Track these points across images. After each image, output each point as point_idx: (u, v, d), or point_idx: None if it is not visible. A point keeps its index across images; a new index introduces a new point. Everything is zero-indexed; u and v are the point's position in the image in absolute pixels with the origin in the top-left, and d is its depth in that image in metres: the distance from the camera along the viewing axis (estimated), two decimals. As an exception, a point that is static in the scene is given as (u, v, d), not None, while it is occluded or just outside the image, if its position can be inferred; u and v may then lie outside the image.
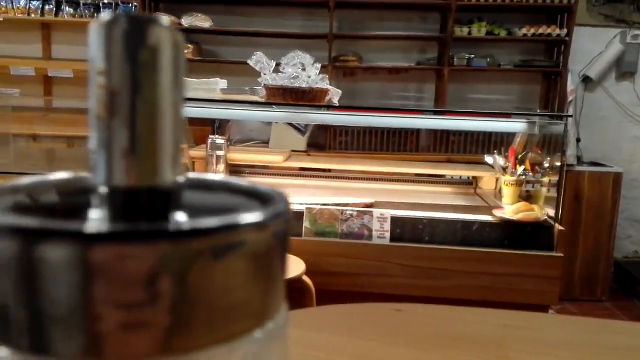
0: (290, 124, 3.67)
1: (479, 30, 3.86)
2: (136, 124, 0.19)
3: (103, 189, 0.19)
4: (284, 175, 2.74)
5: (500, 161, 2.26)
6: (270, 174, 2.74)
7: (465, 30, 3.85)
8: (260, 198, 0.22)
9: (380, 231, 1.97)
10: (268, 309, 0.20)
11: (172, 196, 0.20)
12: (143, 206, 0.19)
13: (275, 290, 0.20)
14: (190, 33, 3.98)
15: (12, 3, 4.08)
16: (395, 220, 1.99)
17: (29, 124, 3.51)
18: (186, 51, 4.01)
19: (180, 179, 0.20)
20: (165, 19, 0.19)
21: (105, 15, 0.19)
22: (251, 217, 0.19)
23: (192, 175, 0.24)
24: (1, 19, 4.06)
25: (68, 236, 0.16)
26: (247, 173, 2.71)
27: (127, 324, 0.17)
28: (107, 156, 0.19)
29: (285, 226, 0.20)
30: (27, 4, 4.07)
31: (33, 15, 4.08)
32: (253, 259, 0.19)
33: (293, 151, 2.98)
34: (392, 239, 1.97)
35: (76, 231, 0.16)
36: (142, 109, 0.19)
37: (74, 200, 0.22)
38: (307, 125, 3.72)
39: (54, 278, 0.17)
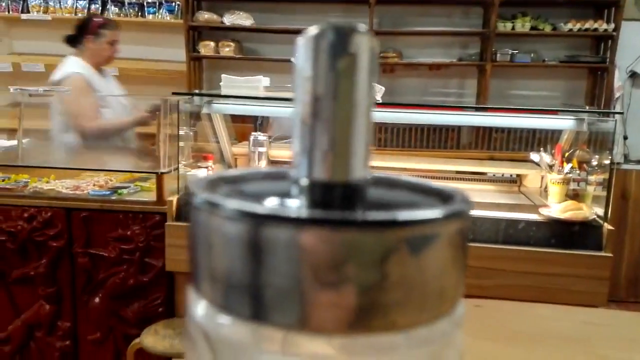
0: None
1: (522, 25, 3.79)
2: (335, 126, 0.21)
3: (304, 182, 0.22)
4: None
5: (547, 159, 2.21)
6: (310, 171, 2.75)
7: (509, 25, 3.78)
8: (440, 196, 0.24)
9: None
10: (455, 297, 0.22)
11: (362, 190, 0.22)
12: (337, 198, 0.22)
13: (459, 281, 0.22)
14: (231, 31, 4.02)
15: (60, 3, 4.20)
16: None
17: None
18: (227, 49, 4.06)
19: (369, 175, 0.23)
20: (364, 26, 0.21)
21: (313, 28, 0.20)
22: (441, 211, 0.20)
23: (377, 173, 0.27)
24: (49, 18, 4.19)
25: (287, 220, 0.19)
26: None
27: (330, 300, 0.19)
28: (308, 154, 0.22)
29: (468, 222, 0.22)
30: (74, 4, 4.19)
31: (80, 15, 4.19)
32: (443, 251, 0.21)
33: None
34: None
35: (294, 216, 0.19)
36: (341, 113, 0.21)
37: (279, 189, 0.25)
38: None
39: (273, 256, 0.19)
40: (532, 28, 3.80)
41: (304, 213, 0.20)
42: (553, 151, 2.24)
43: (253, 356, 0.20)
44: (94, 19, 3.04)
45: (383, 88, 2.13)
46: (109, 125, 2.90)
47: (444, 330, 0.21)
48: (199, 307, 0.22)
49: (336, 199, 0.22)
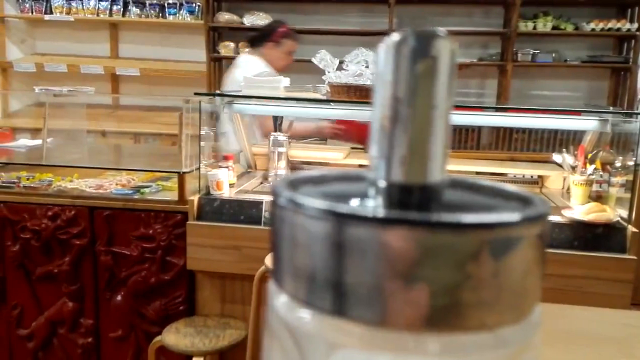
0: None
1: (544, 24, 3.75)
2: (415, 129, 0.22)
3: (382, 184, 0.23)
4: (342, 172, 2.73)
5: (569, 160, 2.19)
6: (329, 171, 2.75)
7: (530, 24, 3.75)
8: (518, 199, 0.25)
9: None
10: (535, 299, 0.23)
11: (439, 192, 0.23)
12: (415, 200, 0.23)
13: (539, 283, 0.23)
14: (251, 32, 4.04)
15: (82, 4, 4.26)
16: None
17: (98, 120, 3.66)
18: (247, 50, 4.08)
19: (446, 178, 0.23)
20: (444, 31, 0.21)
21: (394, 35, 0.21)
22: (524, 215, 0.21)
23: (454, 176, 0.27)
24: (72, 19, 4.25)
25: (373, 220, 0.20)
26: (306, 170, 2.73)
27: (411, 298, 0.20)
28: (387, 157, 0.23)
29: (547, 226, 0.22)
30: (96, 5, 4.24)
31: (102, 16, 4.25)
32: (526, 253, 0.21)
33: (352, 148, 2.98)
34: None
35: (375, 216, 0.20)
36: (421, 116, 0.22)
37: (357, 191, 0.26)
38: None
39: (358, 254, 0.20)
40: (554, 28, 3.76)
41: (392, 214, 0.21)
42: (576, 152, 2.21)
43: (333, 349, 0.20)
44: (279, 28, 3.05)
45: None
46: (298, 130, 2.89)
47: (527, 331, 0.21)
48: (280, 300, 0.23)
49: (414, 201, 0.22)
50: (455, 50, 0.22)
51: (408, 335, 0.19)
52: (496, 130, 3.71)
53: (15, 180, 2.36)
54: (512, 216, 0.21)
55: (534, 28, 3.75)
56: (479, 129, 3.73)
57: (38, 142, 2.75)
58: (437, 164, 0.22)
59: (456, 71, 0.22)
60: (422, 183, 0.22)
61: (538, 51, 3.80)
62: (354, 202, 0.24)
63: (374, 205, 0.23)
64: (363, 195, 0.24)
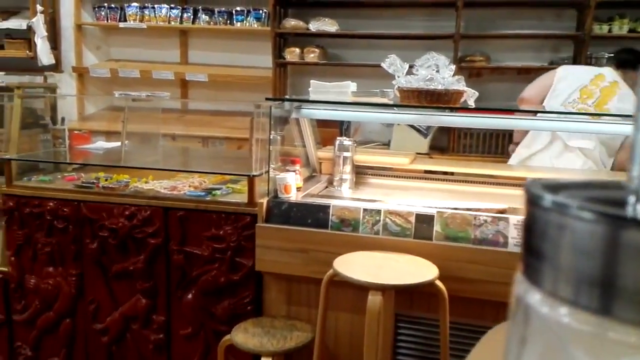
0: (412, 126, 3.64)
1: (620, 27, 3.60)
2: None
3: None
4: (406, 177, 2.71)
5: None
6: (393, 176, 2.73)
7: (605, 27, 3.61)
8: None
9: (517, 239, 1.90)
10: None
11: None
12: None
13: None
14: (316, 37, 4.08)
15: (155, 12, 4.43)
16: (533, 228, 1.90)
17: (168, 124, 3.79)
18: (312, 55, 4.13)
19: None
20: None
21: None
22: None
23: None
24: (144, 26, 4.42)
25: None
26: (369, 174, 2.72)
27: None
28: None
29: None
30: (167, 13, 4.40)
31: (172, 23, 4.40)
32: None
33: (417, 153, 2.95)
34: (529, 247, 1.89)
35: None
36: None
37: (616, 197, 0.26)
38: (428, 127, 3.67)
39: (633, 257, 0.20)
40: (631, 30, 3.60)
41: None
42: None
43: (596, 348, 0.20)
44: None
45: (477, 93, 2.09)
46: None
47: None
48: (535, 297, 0.23)
49: None
50: None
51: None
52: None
53: (94, 181, 2.48)
54: None
55: (609, 31, 3.61)
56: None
57: (114, 144, 2.87)
58: None
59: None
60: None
61: (612, 55, 3.65)
62: (623, 208, 0.24)
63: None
64: (623, 202, 0.24)
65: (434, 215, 2.01)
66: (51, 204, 2.40)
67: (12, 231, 2.50)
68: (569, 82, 2.84)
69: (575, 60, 3.76)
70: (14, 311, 2.58)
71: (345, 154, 2.54)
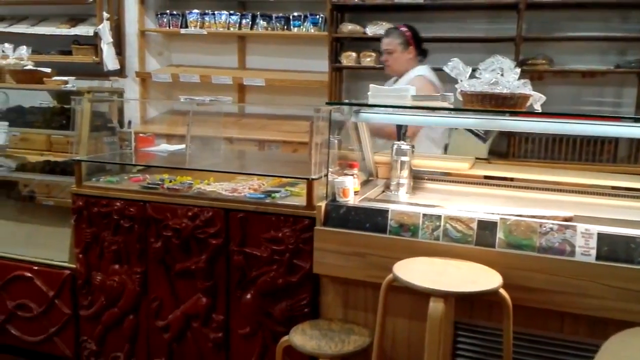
0: (471, 130, 3.57)
1: (694, 28, 3.43)
2: None
3: None
4: (464, 182, 2.66)
5: None
6: (451, 181, 2.69)
7: (677, 28, 3.44)
8: None
9: (585, 248, 1.83)
10: None
11: None
12: None
13: None
14: (373, 41, 4.07)
15: (215, 18, 4.53)
16: (602, 237, 1.83)
17: (227, 127, 3.86)
18: (368, 59, 4.12)
19: None
20: None
21: None
22: None
23: None
24: (205, 32, 4.53)
25: None
26: (427, 179, 2.69)
27: None
28: None
29: None
30: (227, 19, 4.49)
31: (231, 29, 4.49)
32: None
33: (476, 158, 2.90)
34: (598, 257, 1.83)
35: None
36: None
37: None
38: (487, 132, 3.59)
39: None
40: None
41: None
42: None
43: None
44: None
45: (543, 97, 2.03)
46: None
47: None
48: None
49: None
50: None
51: None
52: (636, 142, 3.44)
53: (159, 182, 2.56)
54: None
55: (682, 32, 3.45)
56: (615, 140, 3.48)
57: (178, 147, 2.96)
58: None
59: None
60: None
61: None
62: None
63: None
64: None
65: (497, 222, 1.96)
66: (118, 203, 2.49)
67: (81, 229, 2.61)
68: None
69: (644, 63, 3.60)
70: (80, 307, 2.69)
71: (403, 158, 2.52)
